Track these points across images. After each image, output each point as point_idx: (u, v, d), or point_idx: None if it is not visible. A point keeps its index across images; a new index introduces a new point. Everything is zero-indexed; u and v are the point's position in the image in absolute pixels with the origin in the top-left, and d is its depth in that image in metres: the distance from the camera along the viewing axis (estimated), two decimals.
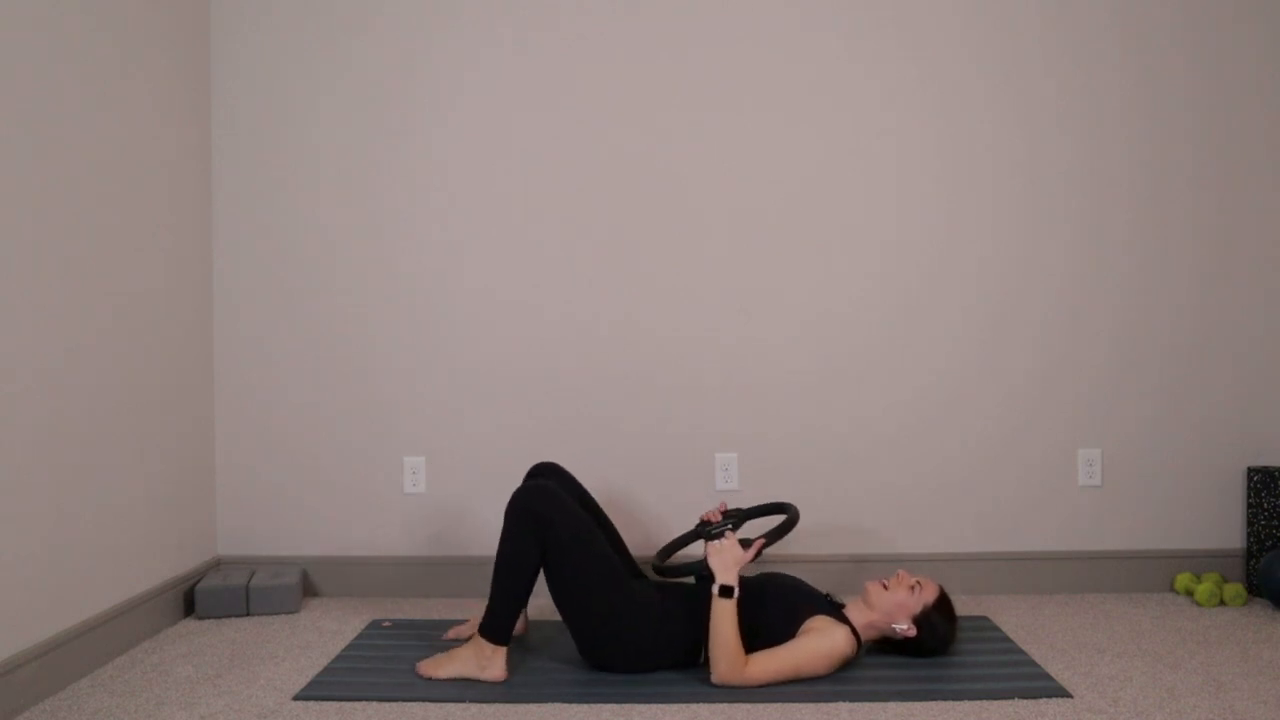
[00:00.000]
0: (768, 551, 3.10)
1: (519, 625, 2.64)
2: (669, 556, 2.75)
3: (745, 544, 2.36)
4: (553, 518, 2.31)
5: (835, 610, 2.40)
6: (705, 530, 2.60)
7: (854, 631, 2.36)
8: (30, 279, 2.25)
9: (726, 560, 2.32)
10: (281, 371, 3.15)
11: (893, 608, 2.39)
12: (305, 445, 3.15)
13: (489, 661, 2.32)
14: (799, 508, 3.13)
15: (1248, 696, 2.20)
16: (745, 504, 3.11)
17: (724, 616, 2.26)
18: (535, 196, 3.13)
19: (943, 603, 2.43)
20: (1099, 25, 3.08)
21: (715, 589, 2.29)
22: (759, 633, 2.32)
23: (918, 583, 2.42)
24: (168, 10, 2.87)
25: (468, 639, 2.65)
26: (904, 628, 2.39)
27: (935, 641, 2.42)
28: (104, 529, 2.54)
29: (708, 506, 3.12)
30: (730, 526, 2.54)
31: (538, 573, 2.35)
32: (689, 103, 3.11)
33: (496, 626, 2.33)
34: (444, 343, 3.14)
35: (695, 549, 3.04)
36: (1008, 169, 3.10)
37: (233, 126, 3.14)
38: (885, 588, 2.41)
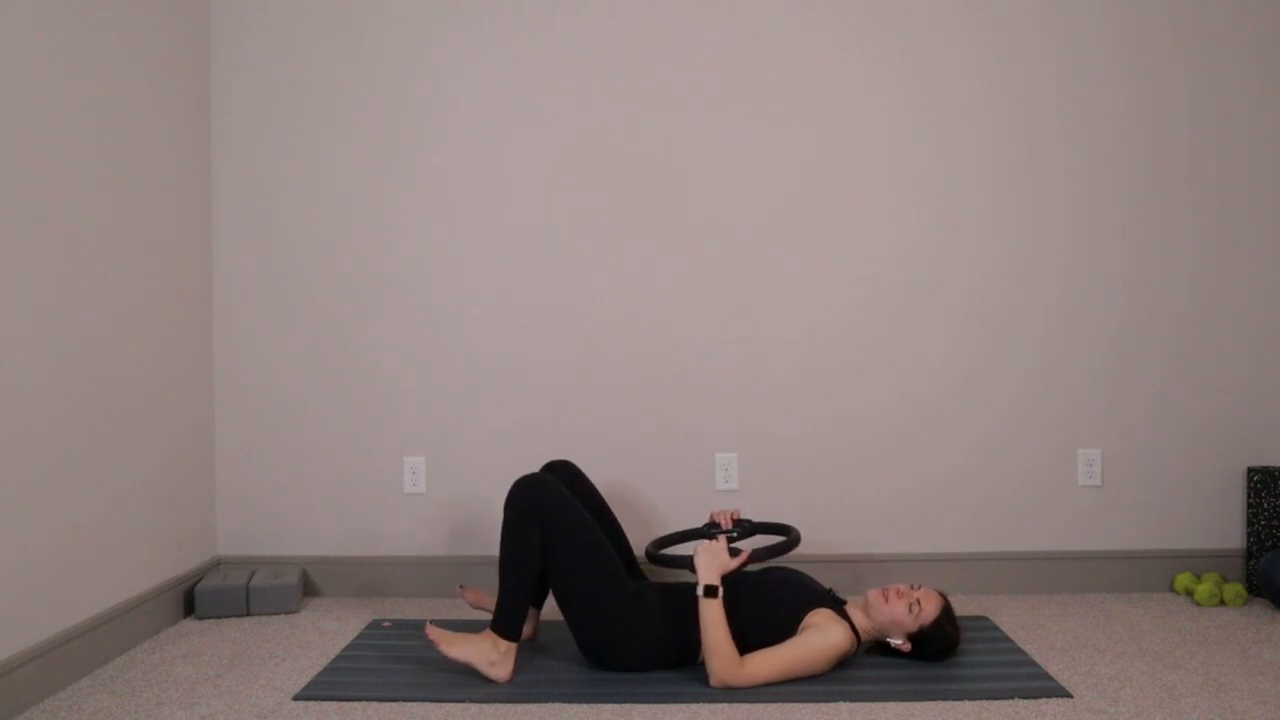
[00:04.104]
0: None
1: (531, 629, 2.64)
2: (664, 547, 2.75)
3: (736, 553, 2.37)
4: (550, 509, 2.32)
5: (837, 606, 2.40)
6: (709, 531, 2.62)
7: (854, 628, 2.36)
8: (30, 279, 2.25)
9: (710, 562, 2.32)
10: (281, 372, 3.15)
11: (889, 624, 2.38)
12: (305, 445, 3.15)
13: (500, 659, 2.32)
14: (799, 508, 3.12)
15: (1248, 696, 2.20)
16: (743, 504, 3.11)
17: (711, 617, 2.26)
18: (535, 197, 3.13)
19: (941, 622, 2.39)
20: (1098, 27, 3.08)
21: (699, 590, 2.29)
22: (761, 626, 2.32)
23: (918, 600, 2.38)
24: (168, 10, 2.87)
25: (481, 627, 2.64)
26: (898, 643, 2.38)
27: (933, 654, 2.41)
28: (104, 529, 2.54)
29: (708, 506, 3.12)
30: (735, 534, 2.54)
31: (543, 566, 2.34)
32: (689, 104, 3.11)
33: (505, 621, 2.33)
34: (444, 343, 3.14)
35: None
36: (1007, 168, 3.10)
37: (233, 127, 3.14)
38: (885, 599, 2.39)
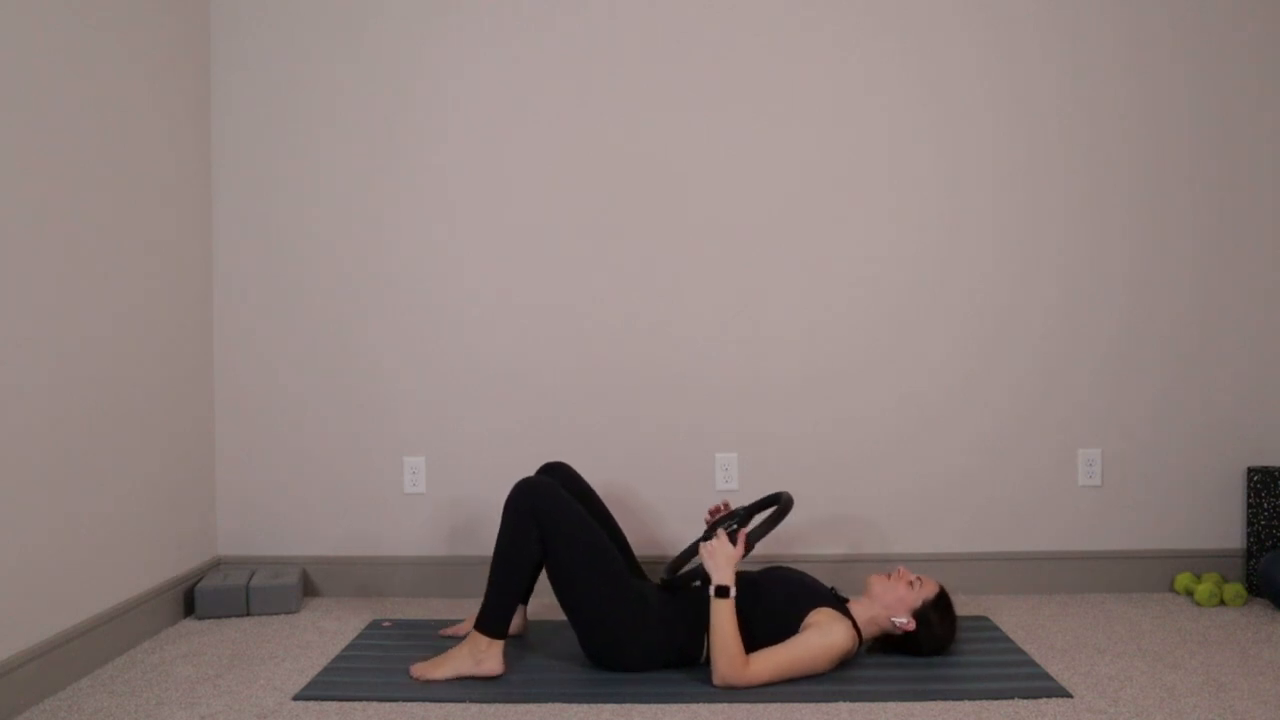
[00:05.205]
0: (773, 550, 3.10)
1: (518, 625, 2.64)
2: (678, 569, 2.74)
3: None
4: (551, 513, 2.32)
5: (839, 604, 2.41)
6: (710, 533, 2.61)
7: (855, 627, 2.36)
8: (30, 279, 2.25)
9: (718, 560, 2.32)
10: (281, 372, 3.15)
11: (893, 601, 2.41)
12: (305, 445, 3.15)
13: (485, 655, 2.32)
14: (799, 508, 3.12)
15: (1248, 696, 2.20)
16: (744, 504, 3.10)
17: (722, 616, 2.26)
18: (535, 197, 3.13)
19: (942, 600, 2.44)
20: (1098, 27, 3.08)
21: (711, 590, 2.29)
22: (763, 625, 2.33)
23: (918, 578, 2.44)
24: (168, 10, 2.87)
25: (464, 637, 2.65)
26: (903, 621, 2.39)
27: (933, 640, 2.43)
28: (104, 529, 2.54)
29: (708, 506, 3.11)
30: (734, 527, 2.54)
31: (536, 568, 2.36)
32: (689, 104, 3.11)
33: (492, 620, 2.33)
34: (444, 343, 3.14)
35: None
36: (1007, 168, 3.10)
37: (233, 127, 3.14)
38: (888, 578, 2.45)
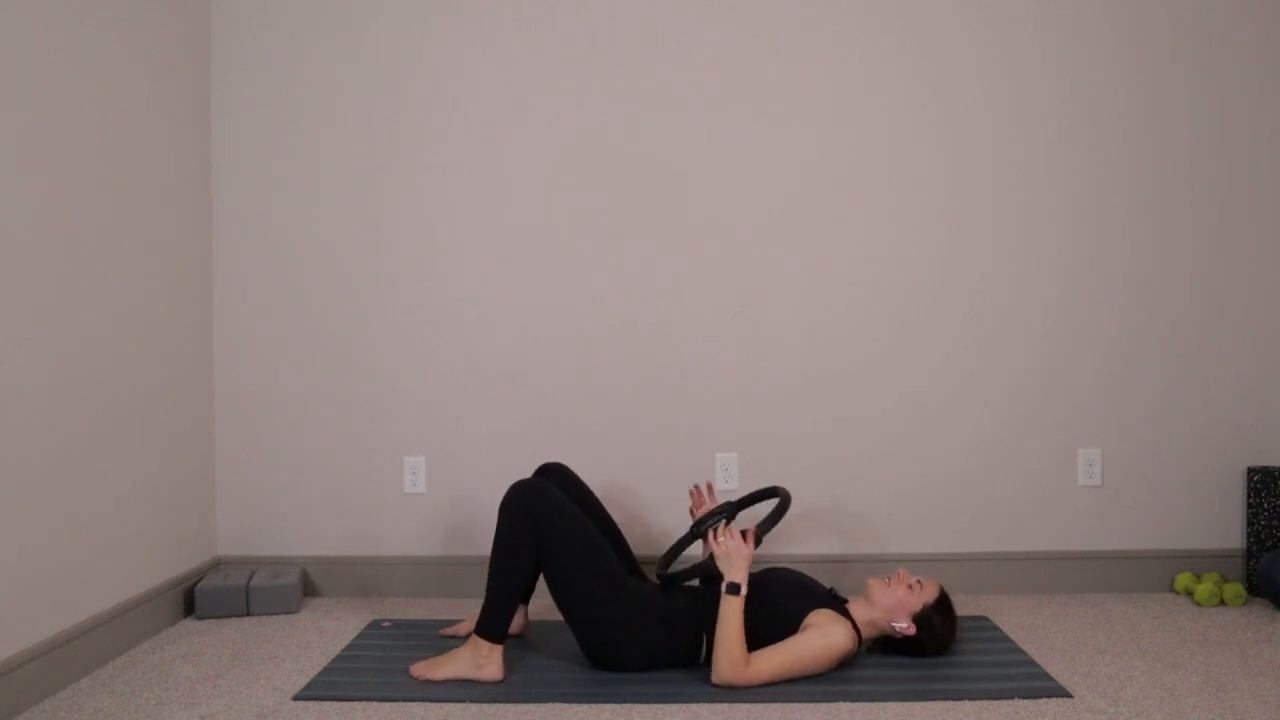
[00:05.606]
0: (770, 549, 3.11)
1: (519, 624, 2.65)
2: (670, 563, 2.75)
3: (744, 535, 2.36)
4: (546, 514, 2.31)
5: (838, 605, 2.40)
6: (702, 528, 2.61)
7: (855, 628, 2.36)
8: (30, 279, 2.25)
9: (735, 561, 2.31)
10: (281, 372, 3.15)
11: (893, 605, 2.40)
12: (305, 445, 3.15)
13: (485, 660, 2.32)
14: (799, 508, 3.12)
15: (1248, 696, 2.20)
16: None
17: (731, 614, 2.26)
18: (535, 197, 3.13)
19: (943, 602, 2.43)
20: (1098, 27, 3.08)
21: (724, 586, 2.29)
22: (762, 627, 2.32)
23: (918, 581, 2.44)
24: (168, 10, 2.87)
25: (464, 637, 2.65)
26: (904, 626, 2.39)
27: (934, 641, 2.43)
28: (104, 529, 2.54)
29: (708, 506, 3.11)
30: (725, 520, 2.53)
31: (534, 570, 2.36)
32: (689, 104, 3.11)
33: (492, 624, 2.33)
34: (444, 343, 3.14)
35: (695, 550, 3.05)
36: (1007, 168, 3.10)
37: (233, 127, 3.14)
38: (888, 583, 2.44)
